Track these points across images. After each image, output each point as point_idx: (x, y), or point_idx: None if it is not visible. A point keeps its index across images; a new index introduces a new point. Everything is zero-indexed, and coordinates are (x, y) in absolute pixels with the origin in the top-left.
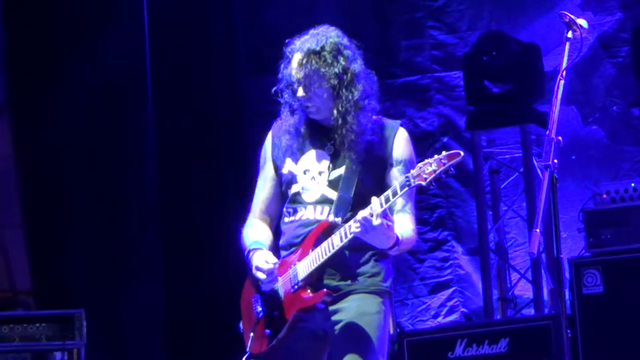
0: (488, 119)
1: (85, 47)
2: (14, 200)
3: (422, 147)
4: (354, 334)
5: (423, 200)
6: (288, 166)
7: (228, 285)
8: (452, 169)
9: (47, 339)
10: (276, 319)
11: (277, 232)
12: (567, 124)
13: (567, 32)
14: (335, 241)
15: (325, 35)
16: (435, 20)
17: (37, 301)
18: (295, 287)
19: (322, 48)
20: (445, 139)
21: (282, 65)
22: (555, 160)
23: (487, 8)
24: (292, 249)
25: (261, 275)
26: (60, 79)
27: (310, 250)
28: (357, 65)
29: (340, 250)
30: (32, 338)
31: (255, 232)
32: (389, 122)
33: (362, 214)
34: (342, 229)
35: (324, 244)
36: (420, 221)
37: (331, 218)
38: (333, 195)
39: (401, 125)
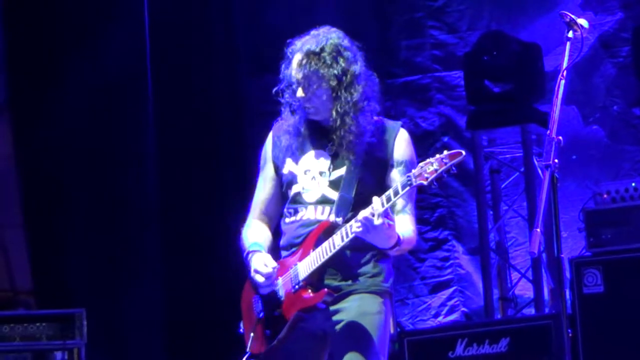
0: (489, 119)
1: (85, 47)
2: (14, 200)
3: (423, 146)
4: (355, 333)
5: (424, 200)
6: (288, 166)
7: (228, 285)
8: (453, 168)
9: (48, 339)
10: (277, 319)
11: (277, 232)
12: (568, 124)
13: (568, 32)
14: (337, 241)
15: (326, 37)
16: (435, 20)
17: (38, 301)
18: (296, 287)
19: (322, 49)
20: (445, 139)
21: (283, 66)
22: (556, 160)
23: (488, 8)
24: (293, 249)
25: (259, 279)
26: (60, 79)
27: (311, 250)
28: (357, 67)
29: (342, 250)
30: (32, 337)
31: (255, 233)
32: (390, 123)
33: (363, 213)
34: (343, 229)
35: (325, 244)
36: (420, 220)
37: (332, 218)
38: (334, 195)
39: (402, 125)
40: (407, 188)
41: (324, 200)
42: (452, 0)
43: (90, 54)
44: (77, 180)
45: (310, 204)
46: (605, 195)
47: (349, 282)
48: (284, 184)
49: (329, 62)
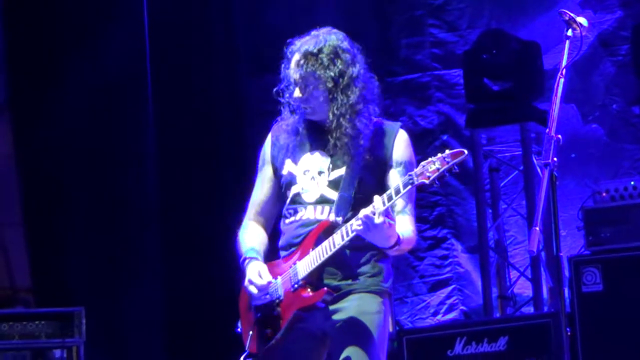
0: (488, 117)
1: (85, 47)
2: (14, 199)
3: (422, 145)
4: (355, 329)
5: (423, 198)
6: (288, 167)
7: (228, 285)
8: (455, 167)
9: (47, 337)
10: (275, 318)
11: (276, 233)
12: (567, 122)
13: (567, 30)
14: (337, 240)
15: (325, 38)
16: (435, 19)
17: (37, 299)
18: (295, 286)
19: (320, 50)
20: (445, 137)
21: (282, 65)
22: (555, 159)
23: (487, 6)
24: (292, 249)
25: (253, 290)
26: (60, 79)
27: (311, 250)
28: (356, 69)
29: (341, 249)
30: (31, 335)
31: (251, 237)
32: (389, 124)
33: (364, 212)
34: (343, 228)
35: (325, 243)
36: (419, 219)
37: (332, 217)
38: (333, 195)
39: (401, 126)
40: (409, 187)
41: (323, 200)
42: None
43: (90, 54)
44: (77, 180)
45: (310, 204)
46: (604, 194)
47: (349, 281)
48: (283, 185)
49: (326, 63)
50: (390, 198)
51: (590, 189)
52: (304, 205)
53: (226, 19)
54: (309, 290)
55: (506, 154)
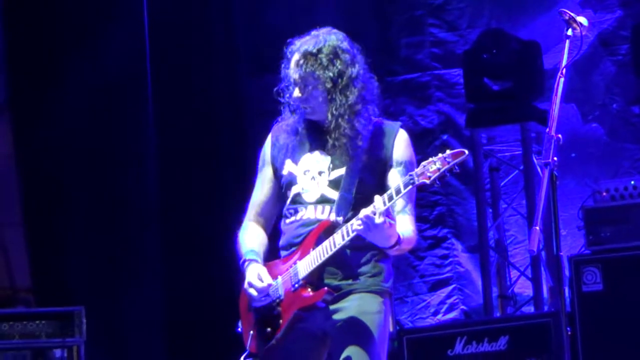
0: (488, 117)
1: (85, 47)
2: (14, 199)
3: (422, 144)
4: (355, 329)
5: (423, 198)
6: (288, 167)
7: (228, 285)
8: (456, 167)
9: (47, 336)
10: (276, 318)
11: (276, 233)
12: (567, 122)
13: (567, 30)
14: (337, 239)
15: (325, 38)
16: (435, 18)
17: (37, 299)
18: (296, 285)
19: (319, 50)
20: (445, 137)
21: (282, 65)
22: (555, 158)
23: (487, 6)
24: (293, 248)
25: (253, 292)
26: (60, 79)
27: (311, 249)
28: (355, 70)
29: (342, 249)
30: (31, 335)
31: (251, 238)
32: (389, 124)
33: (364, 211)
34: (344, 227)
35: (325, 243)
36: (420, 219)
37: (332, 217)
38: (333, 195)
39: (401, 126)
40: (410, 187)
41: (323, 200)
42: None
43: (90, 54)
44: (77, 180)
45: (310, 203)
46: (604, 193)
47: (349, 281)
48: (283, 185)
49: (325, 63)
50: (390, 198)
51: (591, 188)
52: (304, 205)
53: (226, 19)
54: (309, 290)
55: (506, 154)
